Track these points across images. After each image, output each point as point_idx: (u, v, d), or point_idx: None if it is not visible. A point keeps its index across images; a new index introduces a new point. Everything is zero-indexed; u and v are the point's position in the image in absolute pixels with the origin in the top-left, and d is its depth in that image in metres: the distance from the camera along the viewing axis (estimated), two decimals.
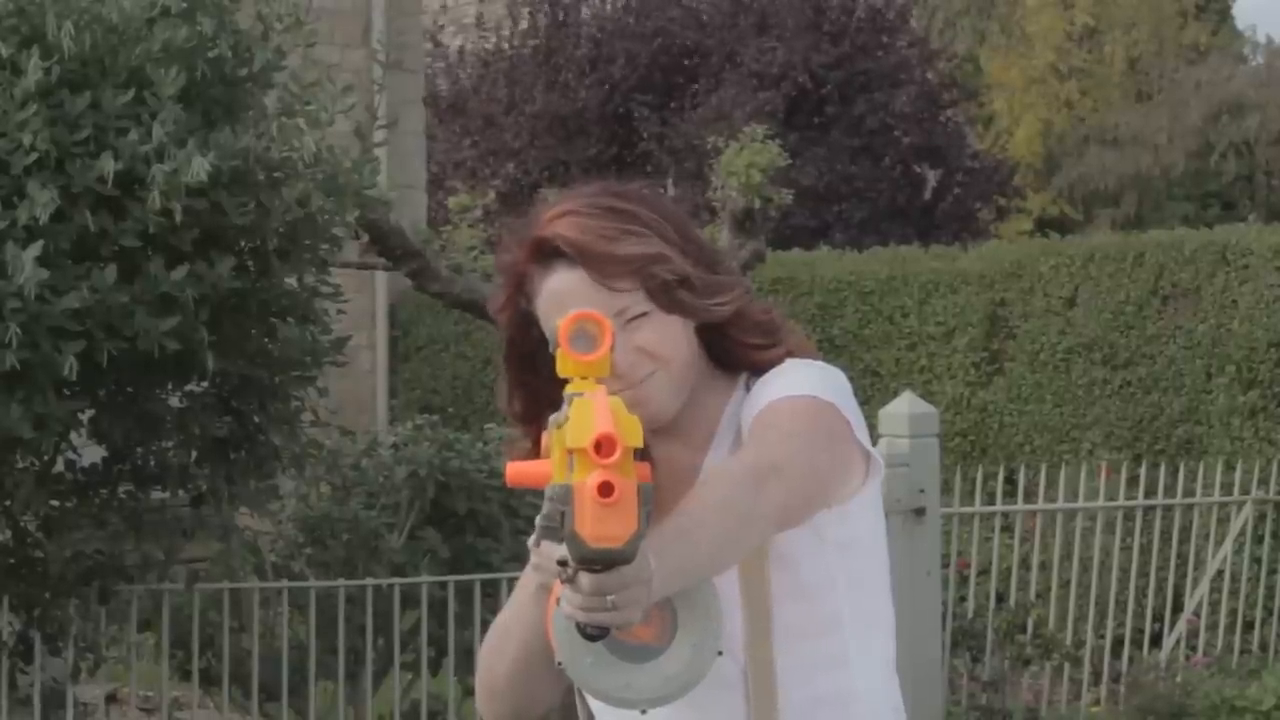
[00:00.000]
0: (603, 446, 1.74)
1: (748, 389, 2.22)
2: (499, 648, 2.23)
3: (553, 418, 2.01)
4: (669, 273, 2.17)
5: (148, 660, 7.40)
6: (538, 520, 1.85)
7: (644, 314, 2.16)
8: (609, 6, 18.59)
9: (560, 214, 2.20)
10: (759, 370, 2.22)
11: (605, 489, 1.73)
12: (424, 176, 13.90)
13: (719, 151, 8.97)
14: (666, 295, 2.17)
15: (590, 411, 1.78)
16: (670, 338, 2.17)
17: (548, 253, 2.18)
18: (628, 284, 2.16)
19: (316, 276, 6.41)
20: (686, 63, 18.22)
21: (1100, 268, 10.33)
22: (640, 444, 1.78)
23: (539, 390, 2.20)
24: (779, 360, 2.22)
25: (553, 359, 2.05)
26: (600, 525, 1.73)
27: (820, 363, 2.21)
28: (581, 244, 2.16)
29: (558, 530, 1.80)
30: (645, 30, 18.12)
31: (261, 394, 6.35)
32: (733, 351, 2.23)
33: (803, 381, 2.15)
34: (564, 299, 2.15)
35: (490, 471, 7.68)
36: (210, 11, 6.01)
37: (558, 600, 1.88)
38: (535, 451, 2.18)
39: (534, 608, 2.11)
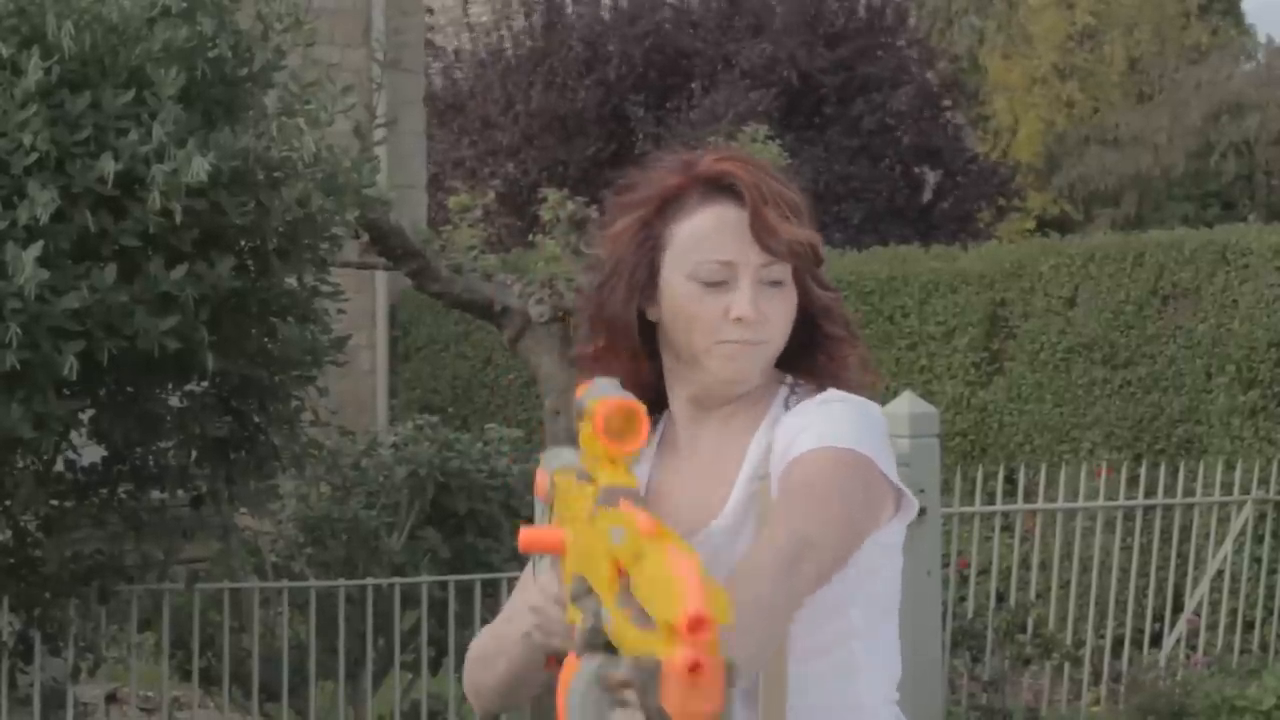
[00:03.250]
0: (696, 626, 1.70)
1: (792, 392, 2.22)
2: (486, 664, 2.25)
3: (555, 463, 2.07)
4: (812, 261, 2.20)
5: (148, 660, 7.40)
6: (580, 628, 1.82)
7: (780, 282, 2.18)
8: (600, 8, 18.59)
9: (742, 161, 2.21)
10: (803, 369, 2.23)
11: (696, 668, 1.70)
12: (424, 176, 13.90)
13: None
14: (803, 283, 2.20)
15: (676, 576, 1.72)
16: (787, 319, 2.19)
17: (719, 186, 2.18)
18: (782, 259, 2.18)
19: (316, 276, 6.41)
20: (682, 63, 18.22)
21: (1100, 267, 10.33)
22: (726, 620, 1.71)
23: (625, 329, 2.21)
24: (836, 370, 2.22)
25: (649, 294, 2.16)
26: (688, 703, 1.69)
27: (860, 400, 2.19)
28: (767, 190, 2.17)
29: (599, 640, 1.80)
30: (635, 32, 18.13)
31: (261, 394, 6.35)
32: (815, 349, 2.24)
33: (844, 429, 2.11)
34: (721, 234, 2.16)
35: (490, 471, 7.69)
36: (210, 11, 6.01)
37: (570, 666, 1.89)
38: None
39: (524, 649, 2.13)
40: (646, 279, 2.20)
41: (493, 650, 2.25)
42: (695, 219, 2.18)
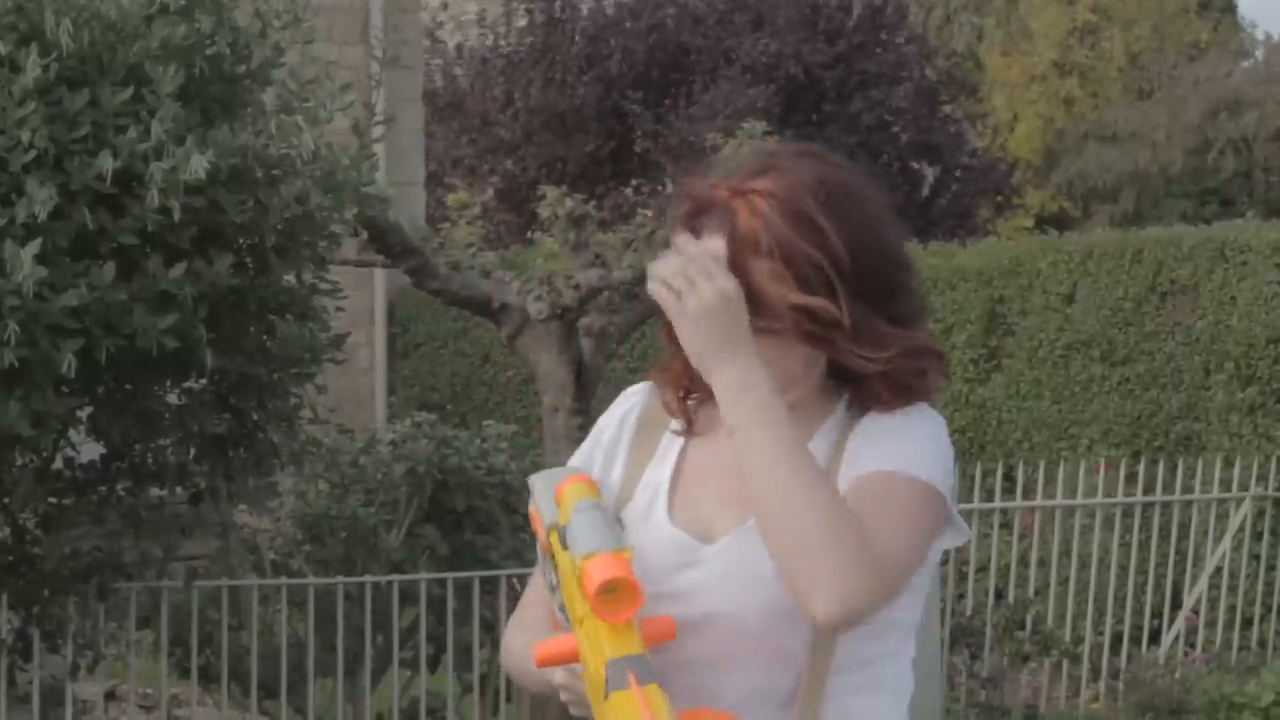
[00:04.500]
0: None
1: (849, 408, 2.18)
2: (523, 672, 2.26)
3: (547, 505, 2.10)
4: (817, 326, 2.12)
5: (146, 658, 7.40)
6: None
7: (774, 331, 2.11)
8: (604, 4, 18.58)
9: (763, 190, 2.13)
10: (862, 384, 2.17)
11: None
12: (422, 173, 13.89)
13: (717, 149, 8.97)
14: (809, 339, 2.13)
15: None
16: (782, 364, 2.13)
17: (722, 217, 2.14)
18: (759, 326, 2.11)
19: (315, 274, 6.40)
20: (682, 60, 18.21)
21: (1099, 264, 10.33)
22: None
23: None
24: (894, 387, 2.16)
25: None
26: None
27: (938, 420, 2.18)
28: (743, 254, 2.11)
29: None
30: (639, 28, 18.12)
31: (260, 391, 6.34)
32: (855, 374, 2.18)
33: (923, 457, 2.12)
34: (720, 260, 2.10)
35: (489, 469, 7.69)
36: (209, 9, 6.00)
37: None
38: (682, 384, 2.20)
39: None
40: None
41: (524, 671, 2.26)
42: (711, 238, 2.13)
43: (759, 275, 2.10)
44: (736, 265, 2.09)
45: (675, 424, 2.25)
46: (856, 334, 2.12)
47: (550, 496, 2.15)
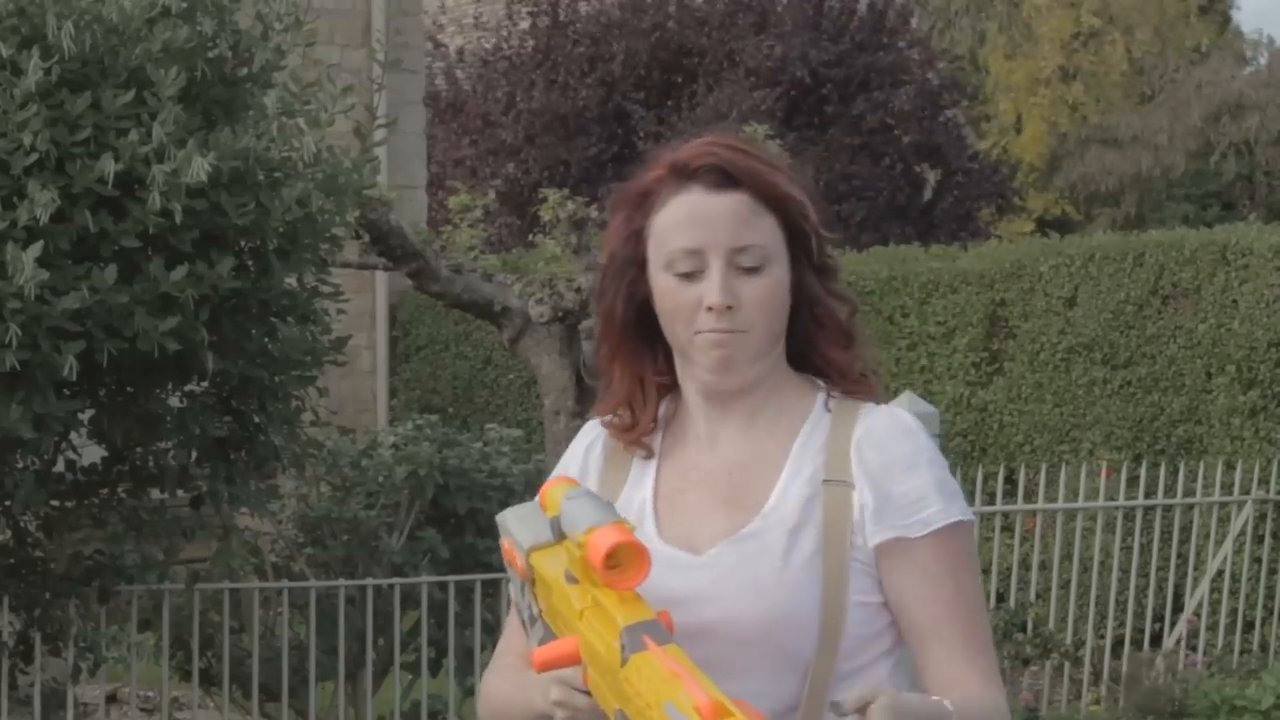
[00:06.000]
0: (721, 715, 1.78)
1: (827, 408, 2.21)
2: (503, 716, 2.26)
3: (522, 533, 2.09)
4: (810, 226, 2.18)
5: (148, 660, 7.40)
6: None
7: (760, 267, 2.14)
8: (608, 2, 18.58)
9: (710, 142, 2.18)
10: (824, 373, 2.23)
11: None
12: (424, 176, 13.90)
13: None
14: (803, 245, 2.18)
15: (676, 681, 1.83)
16: (775, 302, 2.16)
17: (687, 174, 2.16)
18: (771, 220, 2.16)
19: (316, 276, 6.41)
20: (685, 62, 18.21)
21: (1100, 267, 10.33)
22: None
23: (617, 326, 2.22)
24: (850, 367, 2.22)
25: (641, 292, 2.16)
26: None
27: (919, 426, 2.22)
28: (743, 165, 2.15)
29: None
30: (644, 26, 18.11)
31: (261, 394, 6.34)
32: (808, 347, 2.23)
33: (946, 488, 2.18)
34: (689, 221, 2.14)
35: (490, 471, 7.68)
36: (210, 11, 6.01)
37: None
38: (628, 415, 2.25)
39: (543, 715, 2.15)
40: (637, 275, 2.20)
41: (504, 702, 2.25)
42: (666, 210, 2.17)
43: (740, 160, 2.16)
44: (712, 195, 2.15)
45: (640, 450, 2.26)
46: (824, 274, 2.21)
47: (526, 522, 2.13)
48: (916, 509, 2.14)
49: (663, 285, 2.16)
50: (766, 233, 2.15)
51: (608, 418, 2.28)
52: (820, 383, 2.23)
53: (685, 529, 2.19)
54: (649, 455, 2.25)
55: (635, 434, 2.25)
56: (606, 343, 2.24)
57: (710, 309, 2.12)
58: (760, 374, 2.19)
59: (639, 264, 2.19)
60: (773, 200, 2.16)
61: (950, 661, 2.14)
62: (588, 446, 2.31)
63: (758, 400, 2.20)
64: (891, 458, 2.17)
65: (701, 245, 2.13)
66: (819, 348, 2.22)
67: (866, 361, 2.24)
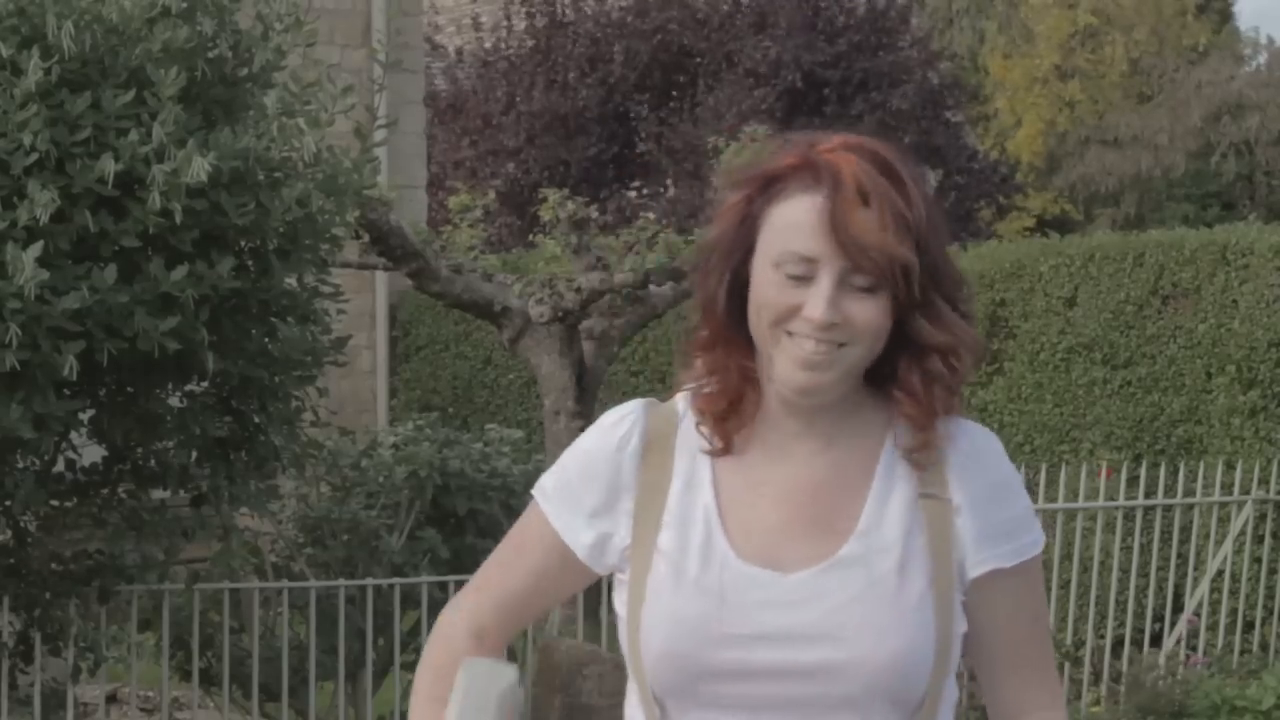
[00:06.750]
0: None
1: (909, 421, 2.09)
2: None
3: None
4: (907, 284, 2.03)
5: (148, 660, 7.40)
6: None
7: (873, 289, 2.01)
8: (609, 4, 18.59)
9: (866, 153, 2.04)
10: (907, 390, 2.09)
11: None
12: (424, 176, 13.90)
13: (719, 152, 8.98)
14: (897, 300, 2.03)
15: None
16: (875, 327, 2.02)
17: (826, 175, 2.02)
18: (859, 267, 2.01)
19: (316, 276, 6.41)
20: (685, 62, 18.21)
21: (1100, 267, 10.33)
22: None
23: (715, 310, 2.08)
24: (931, 393, 2.08)
25: (744, 276, 2.04)
26: None
27: (999, 444, 2.18)
28: (888, 188, 2.02)
29: None
30: (645, 27, 18.11)
31: (262, 394, 6.35)
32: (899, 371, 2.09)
33: (1032, 512, 2.17)
34: (811, 226, 2.01)
35: (490, 471, 7.69)
36: (210, 11, 6.01)
37: None
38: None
39: None
40: (742, 260, 2.07)
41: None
42: (790, 205, 2.03)
43: (861, 227, 2.00)
44: (839, 218, 2.00)
45: (702, 444, 2.12)
46: (925, 307, 2.05)
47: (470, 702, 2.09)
48: (1015, 537, 2.10)
49: (766, 278, 2.04)
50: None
51: (701, 401, 2.12)
52: (895, 393, 2.10)
53: (764, 546, 2.07)
54: (723, 452, 2.11)
55: (733, 426, 2.10)
56: (707, 327, 2.10)
57: (809, 319, 2.01)
58: (845, 393, 2.08)
59: (748, 248, 2.06)
60: (898, 229, 2.02)
61: (1027, 687, 2.12)
62: (620, 443, 2.16)
63: (840, 415, 2.09)
64: (994, 481, 2.12)
65: (817, 255, 2.01)
66: (906, 376, 2.09)
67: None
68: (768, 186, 2.05)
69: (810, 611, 2.03)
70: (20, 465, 6.16)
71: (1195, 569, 8.91)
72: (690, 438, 2.13)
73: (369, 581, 7.09)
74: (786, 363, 2.03)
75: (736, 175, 2.10)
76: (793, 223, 2.02)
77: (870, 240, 1.99)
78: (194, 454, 6.35)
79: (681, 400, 2.17)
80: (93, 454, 6.48)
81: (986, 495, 2.10)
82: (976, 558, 2.08)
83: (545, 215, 8.76)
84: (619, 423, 2.17)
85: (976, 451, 2.12)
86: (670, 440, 2.14)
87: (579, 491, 2.18)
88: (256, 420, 6.41)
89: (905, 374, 2.07)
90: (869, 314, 2.01)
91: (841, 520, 2.07)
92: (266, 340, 6.29)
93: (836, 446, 2.10)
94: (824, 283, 2.00)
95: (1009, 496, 2.11)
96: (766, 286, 2.03)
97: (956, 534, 2.07)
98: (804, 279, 2.01)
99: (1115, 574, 8.79)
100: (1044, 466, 8.76)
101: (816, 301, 1.99)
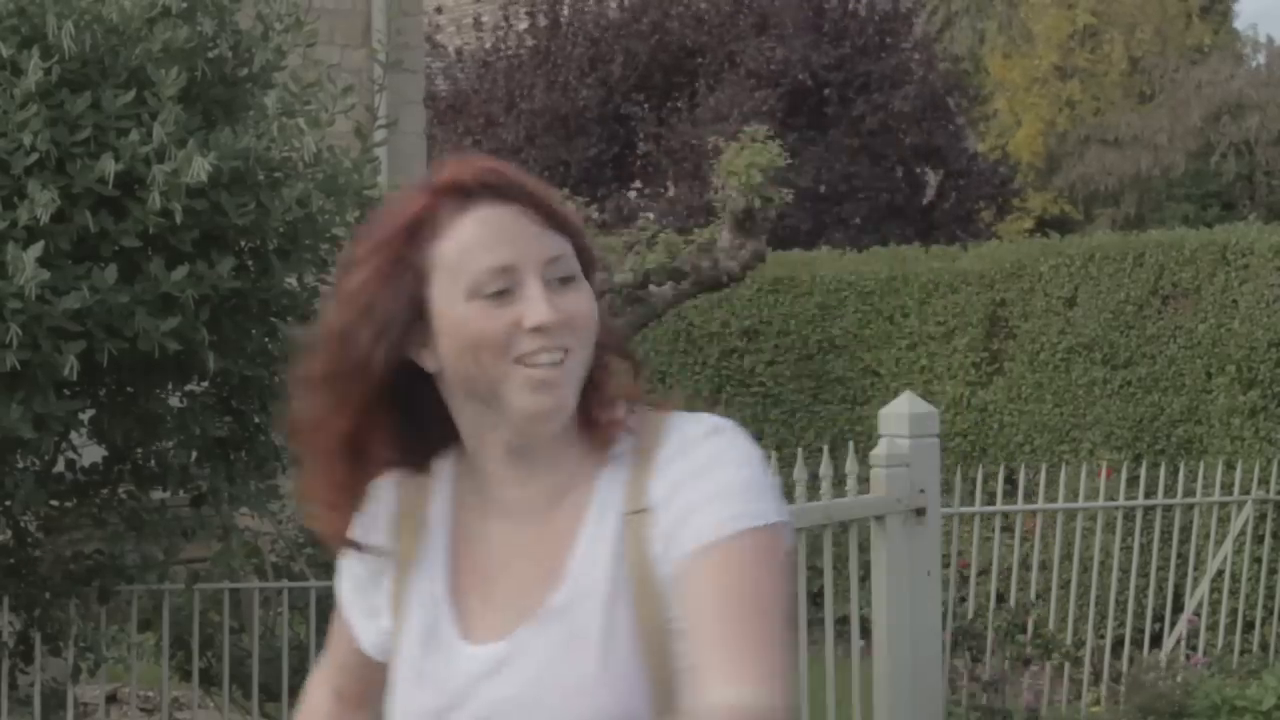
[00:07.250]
0: None
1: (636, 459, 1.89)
2: None
3: None
4: (587, 243, 1.94)
5: (148, 660, 7.40)
6: None
7: (574, 278, 1.89)
8: (609, 4, 18.60)
9: (473, 162, 1.92)
10: (597, 422, 1.91)
11: None
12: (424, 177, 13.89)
13: (719, 152, 8.98)
14: (587, 266, 1.92)
15: None
16: (592, 318, 1.89)
17: (472, 191, 1.88)
18: (563, 236, 1.89)
19: (317, 276, 6.41)
20: (685, 62, 18.22)
21: (1100, 267, 10.33)
22: None
23: (364, 379, 1.90)
24: (611, 417, 1.90)
25: (418, 338, 1.85)
26: None
27: (729, 428, 1.89)
28: (524, 182, 1.89)
29: None
30: (644, 28, 18.12)
31: (262, 394, 6.35)
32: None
33: (750, 490, 1.84)
34: (493, 237, 1.85)
35: None
36: (210, 11, 6.01)
37: None
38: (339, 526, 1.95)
39: None
40: (410, 319, 1.88)
41: None
42: (457, 231, 1.87)
43: (538, 212, 1.89)
44: (512, 216, 1.87)
45: (444, 515, 1.98)
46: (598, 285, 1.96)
47: None
48: (690, 522, 1.82)
49: (465, 316, 1.85)
50: (565, 244, 1.89)
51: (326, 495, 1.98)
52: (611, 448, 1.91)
53: (488, 618, 1.92)
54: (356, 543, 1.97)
55: (345, 525, 1.97)
56: (342, 413, 1.94)
57: (537, 328, 1.84)
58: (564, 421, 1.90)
59: (414, 306, 1.88)
60: (555, 216, 1.90)
61: (707, 669, 1.77)
62: (367, 529, 2.02)
63: (561, 445, 1.91)
64: (693, 467, 1.86)
65: (513, 261, 1.85)
66: (601, 381, 1.92)
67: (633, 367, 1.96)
68: (415, 233, 1.88)
69: (512, 682, 1.87)
70: (20, 465, 6.16)
71: (1195, 569, 8.91)
72: (443, 507, 1.99)
73: None
74: (523, 393, 1.85)
75: (364, 241, 1.92)
76: (469, 245, 1.86)
77: (557, 221, 1.89)
78: (194, 454, 6.35)
79: (446, 464, 2.00)
80: (93, 454, 6.48)
81: (682, 483, 1.84)
82: (665, 558, 1.83)
83: None
84: (375, 496, 2.02)
85: (684, 442, 1.86)
86: (424, 511, 2.00)
87: (366, 584, 2.06)
88: (257, 420, 6.41)
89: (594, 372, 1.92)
90: (582, 303, 1.88)
91: (553, 574, 1.89)
92: (267, 340, 6.29)
93: (556, 490, 1.91)
94: (531, 284, 1.85)
95: (703, 478, 1.83)
96: (470, 323, 1.85)
97: (652, 543, 1.84)
98: (506, 293, 1.85)
99: (1115, 574, 8.79)
100: (1044, 466, 8.76)
101: (535, 305, 1.85)
